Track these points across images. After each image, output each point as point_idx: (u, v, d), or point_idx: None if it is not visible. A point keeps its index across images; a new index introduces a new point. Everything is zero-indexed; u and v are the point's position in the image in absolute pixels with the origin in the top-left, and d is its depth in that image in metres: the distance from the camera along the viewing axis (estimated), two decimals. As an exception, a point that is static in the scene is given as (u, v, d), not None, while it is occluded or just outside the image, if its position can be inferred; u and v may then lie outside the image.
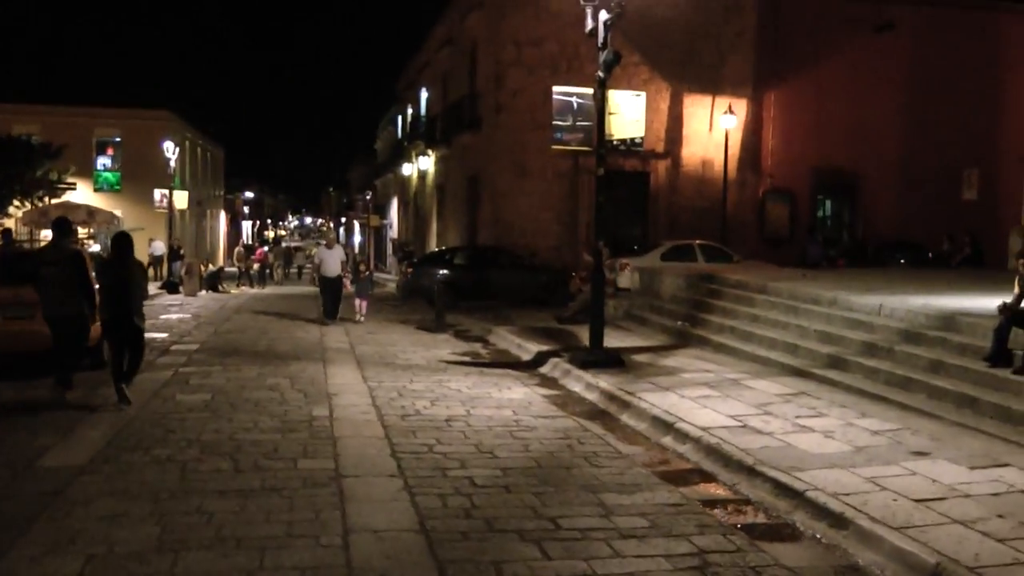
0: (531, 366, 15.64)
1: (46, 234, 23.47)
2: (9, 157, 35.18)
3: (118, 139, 50.85)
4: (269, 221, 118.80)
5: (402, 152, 51.42)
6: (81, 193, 45.21)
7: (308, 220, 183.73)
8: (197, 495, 7.85)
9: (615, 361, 14.46)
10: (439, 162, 41.49)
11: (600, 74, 15.40)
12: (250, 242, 69.07)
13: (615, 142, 28.78)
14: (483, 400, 12.26)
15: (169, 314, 25.62)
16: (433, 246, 41.57)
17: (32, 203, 36.48)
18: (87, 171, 48.70)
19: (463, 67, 36.69)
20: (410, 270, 29.34)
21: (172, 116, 51.82)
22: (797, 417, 10.45)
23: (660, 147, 32.19)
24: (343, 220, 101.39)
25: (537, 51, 31.28)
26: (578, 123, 28.62)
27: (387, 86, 62.80)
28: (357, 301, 23.46)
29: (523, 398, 12.51)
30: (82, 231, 34.30)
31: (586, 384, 13.19)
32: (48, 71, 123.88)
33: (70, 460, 9.06)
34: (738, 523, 7.41)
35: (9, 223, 36.50)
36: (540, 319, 22.60)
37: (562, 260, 30.48)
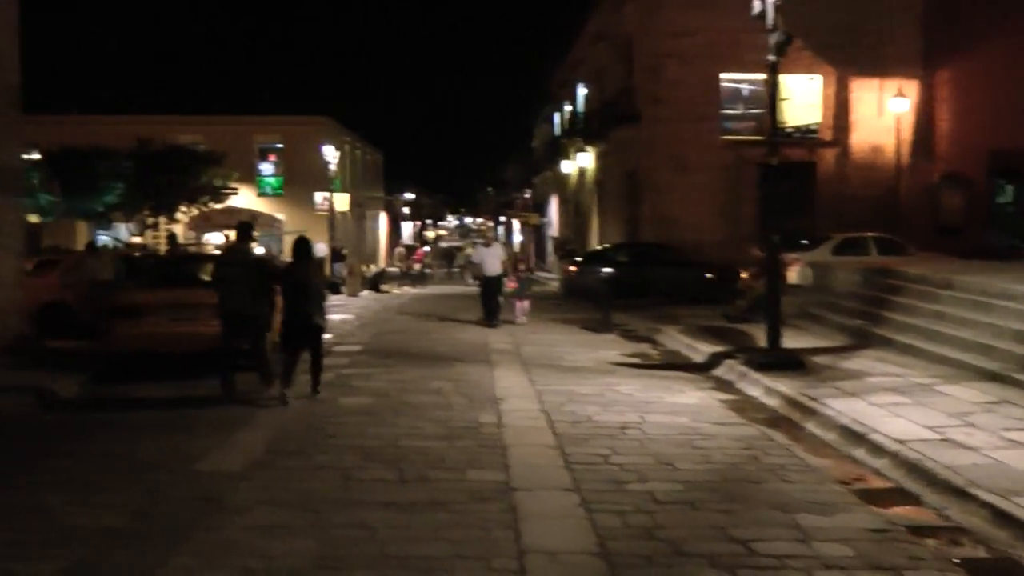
0: (704, 368, 14.88)
1: (208, 237, 23.87)
2: (175, 165, 36.28)
3: (279, 145, 51.93)
4: (428, 221, 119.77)
5: (560, 149, 50.84)
6: (244, 198, 46.36)
7: (467, 219, 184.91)
8: (359, 507, 7.44)
9: (794, 363, 13.56)
10: (598, 158, 40.85)
11: (771, 57, 14.47)
12: (411, 243, 69.68)
13: (788, 130, 27.59)
14: (656, 405, 11.60)
15: (331, 315, 25.52)
16: (594, 244, 40.93)
17: (198, 208, 37.46)
18: (250, 177, 49.77)
19: (618, 61, 36.04)
20: (573, 268, 28.89)
21: (331, 122, 52.68)
22: (1004, 430, 9.41)
23: (828, 135, 30.96)
24: (502, 219, 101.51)
25: (694, 41, 30.53)
26: (748, 111, 27.63)
27: (541, 84, 62.07)
28: (516, 303, 22.71)
29: (699, 403, 11.79)
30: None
31: (765, 388, 12.38)
32: (212, 83, 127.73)
33: (228, 465, 8.83)
34: (955, 556, 6.48)
35: (176, 227, 37.56)
36: (707, 317, 21.75)
37: (725, 255, 29.33)
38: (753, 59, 29.50)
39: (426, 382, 13.53)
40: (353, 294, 34.61)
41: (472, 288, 39.63)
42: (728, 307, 22.00)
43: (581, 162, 43.22)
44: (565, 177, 50.29)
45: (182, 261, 17.00)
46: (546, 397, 12.17)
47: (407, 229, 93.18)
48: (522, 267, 23.73)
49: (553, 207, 59.13)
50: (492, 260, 22.16)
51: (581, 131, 43.79)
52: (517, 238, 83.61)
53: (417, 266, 44.67)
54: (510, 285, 22.70)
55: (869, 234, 26.78)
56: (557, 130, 56.34)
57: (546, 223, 62.05)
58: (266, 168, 52.27)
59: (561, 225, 55.37)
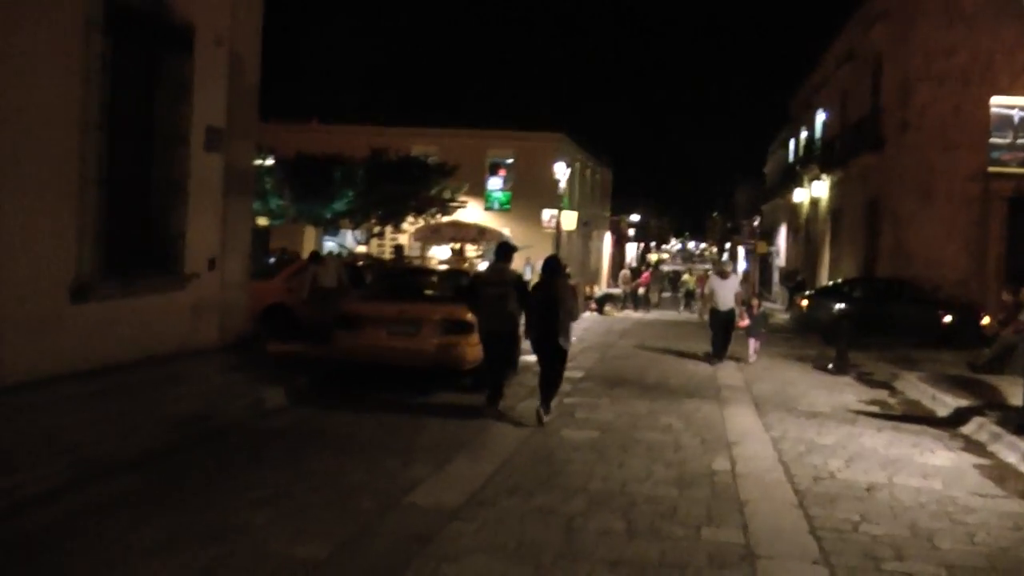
0: (950, 423, 13.69)
1: (433, 251, 23.95)
2: (406, 175, 36.70)
3: (510, 160, 52.13)
4: (653, 244, 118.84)
5: (793, 177, 49.41)
6: (472, 211, 46.79)
7: (691, 244, 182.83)
8: (585, 561, 6.85)
9: (1056, 426, 12.26)
10: (834, 186, 39.28)
11: None
12: (635, 264, 69.06)
13: None
14: (905, 464, 10.63)
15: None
16: (824, 276, 39.52)
17: (425, 219, 37.90)
18: (479, 190, 50.14)
19: (865, 83, 34.48)
20: (805, 302, 27.69)
21: (564, 138, 52.49)
22: None
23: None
24: (727, 245, 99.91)
25: (947, 62, 28.98)
26: (1019, 140, 25.88)
27: (779, 106, 60.66)
28: (750, 341, 21.04)
29: (951, 466, 10.74)
30: (471, 249, 34.99)
31: (1023, 454, 11.21)
32: (449, 96, 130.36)
33: (443, 499, 8.38)
34: None
35: (402, 238, 38.11)
36: (949, 363, 20.47)
37: (968, 295, 27.95)
38: (1008, 82, 28.30)
39: (654, 417, 12.93)
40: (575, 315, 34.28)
41: (696, 317, 39.12)
42: (972, 354, 20.42)
43: (816, 191, 41.83)
44: (797, 205, 48.87)
45: (405, 274, 16.95)
46: (783, 445, 11.38)
47: (631, 250, 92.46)
48: (756, 303, 21.90)
49: (782, 236, 57.65)
50: (726, 293, 20.50)
51: (818, 158, 42.34)
52: (742, 266, 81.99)
53: (641, 290, 43.99)
54: (741, 324, 20.92)
55: None
56: (792, 156, 54.86)
57: (773, 252, 60.52)
58: (495, 182, 52.52)
59: (789, 255, 53.95)
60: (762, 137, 71.16)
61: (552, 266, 12.83)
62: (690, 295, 47.38)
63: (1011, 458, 11.26)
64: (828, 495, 9.04)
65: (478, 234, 34.51)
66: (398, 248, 26.84)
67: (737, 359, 20.39)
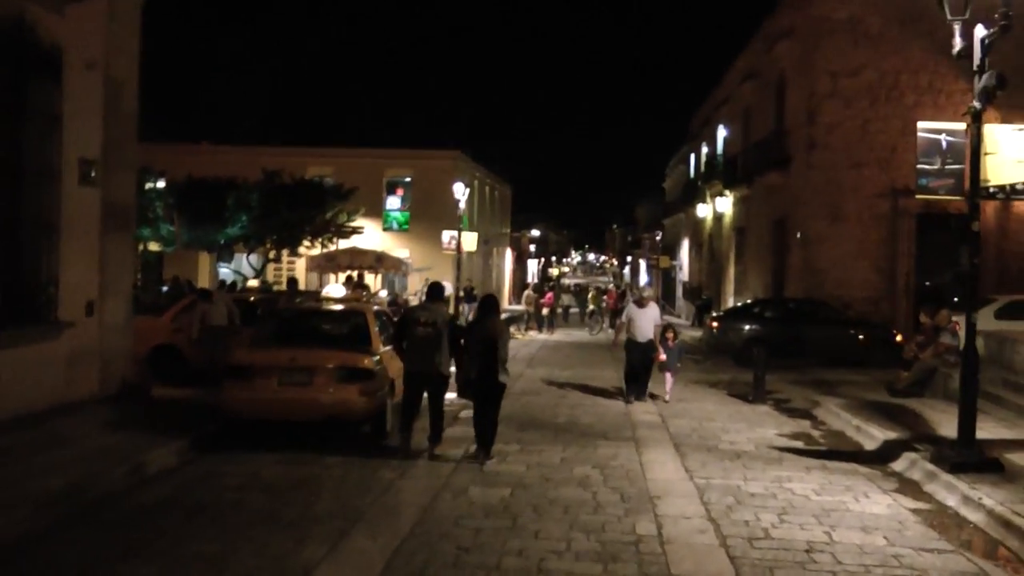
0: (880, 459, 13.19)
1: (328, 290, 22.97)
2: (302, 198, 35.91)
3: (408, 179, 51.23)
4: (553, 258, 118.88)
5: (696, 192, 49.58)
6: (369, 232, 45.97)
7: (591, 257, 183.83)
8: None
9: (991, 464, 11.76)
10: (738, 203, 39.29)
11: (976, 104, 12.58)
12: (538, 282, 68.67)
13: (992, 189, 25.48)
14: (842, 515, 9.99)
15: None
16: (730, 292, 39.52)
17: (323, 243, 36.89)
18: (376, 211, 49.28)
19: (769, 101, 34.47)
20: (715, 324, 27.33)
21: (462, 156, 51.96)
22: None
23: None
24: (628, 259, 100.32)
25: (854, 81, 28.97)
26: (947, 167, 25.75)
27: (680, 123, 61.17)
28: (667, 376, 19.05)
29: (890, 514, 10.15)
30: (369, 277, 34.07)
31: (962, 497, 10.64)
32: (344, 117, 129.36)
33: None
34: None
35: (299, 264, 37.05)
36: (867, 387, 20.32)
37: (879, 314, 27.98)
38: (913, 103, 28.38)
39: (569, 467, 12.16)
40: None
41: (603, 336, 38.67)
42: (890, 376, 20.23)
43: (719, 206, 42.00)
44: (700, 221, 49.06)
45: (296, 318, 15.95)
46: (709, 495, 10.71)
47: (532, 266, 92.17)
48: (671, 335, 19.43)
49: (684, 250, 58.02)
50: (645, 323, 18.48)
51: (721, 174, 42.39)
52: (643, 279, 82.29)
53: (546, 310, 43.38)
54: (659, 356, 18.95)
55: (1039, 297, 24.56)
56: (693, 172, 55.05)
57: (676, 266, 60.84)
58: (393, 202, 51.58)
59: (693, 270, 54.18)
60: (663, 151, 71.43)
61: (489, 304, 13.20)
62: (593, 313, 46.99)
63: (950, 501, 10.75)
64: (766, 561, 8.34)
65: (376, 261, 33.47)
66: (291, 282, 25.67)
67: (652, 395, 18.96)
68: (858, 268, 28.79)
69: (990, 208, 28.64)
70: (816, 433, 15.60)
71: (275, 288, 33.88)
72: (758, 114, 36.56)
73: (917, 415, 16.23)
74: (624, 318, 19.23)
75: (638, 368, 18.68)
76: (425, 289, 17.62)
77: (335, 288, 23.78)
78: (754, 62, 37.39)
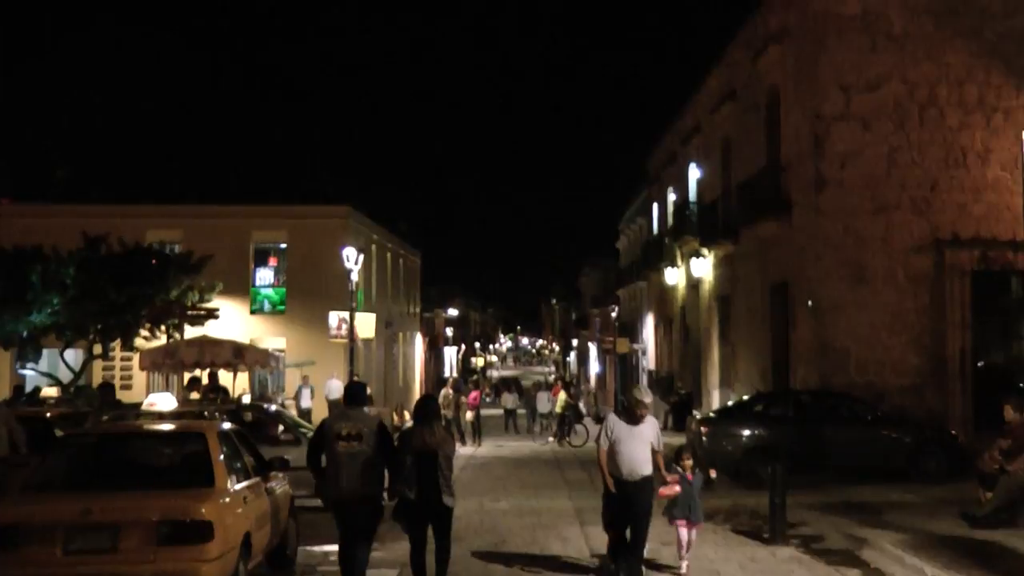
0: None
1: (153, 399, 20.82)
2: (135, 273, 34.44)
3: (283, 245, 49.47)
4: (477, 344, 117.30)
5: (661, 252, 48.59)
6: (233, 317, 44.13)
7: (524, 341, 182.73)
8: None
9: None
10: (721, 264, 38.16)
11: None
12: (454, 374, 67.04)
13: None
14: None
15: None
16: (714, 384, 38.10)
17: (168, 333, 34.76)
18: (242, 288, 47.41)
19: (756, 128, 33.35)
20: (704, 429, 25.38)
21: (353, 213, 50.48)
22: None
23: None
24: (573, 342, 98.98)
25: (874, 97, 27.59)
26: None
27: (633, 166, 60.51)
28: (680, 530, 14.73)
29: None
30: (225, 376, 31.78)
31: None
32: (200, 170, 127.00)
33: None
34: None
35: (136, 360, 35.31)
36: (927, 512, 18.92)
37: (925, 406, 26.54)
38: (959, 120, 26.97)
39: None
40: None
41: (547, 448, 36.70)
42: (968, 498, 18.68)
43: (695, 270, 40.68)
44: (669, 290, 48.48)
45: (102, 440, 13.63)
46: None
47: (450, 355, 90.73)
48: (687, 462, 14.94)
49: (648, 329, 57.26)
50: (636, 448, 13.83)
51: (696, 227, 41.33)
52: (594, 368, 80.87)
53: (470, 415, 41.33)
54: (665, 492, 14.68)
55: None
56: (656, 227, 53.93)
57: (639, 351, 59.79)
58: (264, 276, 49.67)
59: (661, 355, 53.59)
60: (615, 205, 70.79)
61: (426, 409, 13.50)
62: (511, 413, 46.84)
63: None
64: None
65: (234, 355, 30.86)
66: (104, 389, 23.42)
67: (654, 566, 15.03)
68: (893, 346, 27.13)
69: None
70: (876, 593, 13.59)
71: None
72: (742, 145, 35.39)
73: (1015, 555, 14.74)
74: (602, 441, 14.16)
75: (633, 523, 13.99)
76: (296, 389, 16.33)
77: (162, 397, 21.43)
78: (733, 78, 36.37)
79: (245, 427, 21.12)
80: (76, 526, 10.96)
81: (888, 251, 27.01)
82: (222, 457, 12.47)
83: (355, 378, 36.41)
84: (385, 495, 13.09)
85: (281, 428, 21.97)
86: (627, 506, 13.84)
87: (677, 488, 14.57)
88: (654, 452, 13.94)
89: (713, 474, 15.32)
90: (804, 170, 28.40)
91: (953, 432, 24.67)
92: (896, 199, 26.97)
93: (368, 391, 18.51)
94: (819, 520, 18.80)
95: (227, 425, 14.59)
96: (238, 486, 12.42)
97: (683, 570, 14.51)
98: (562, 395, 43.38)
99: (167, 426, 14.54)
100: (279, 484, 14.49)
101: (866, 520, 18.40)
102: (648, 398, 14.20)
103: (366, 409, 14.09)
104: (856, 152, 27.29)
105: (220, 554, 11.19)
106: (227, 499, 11.91)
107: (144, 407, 18.88)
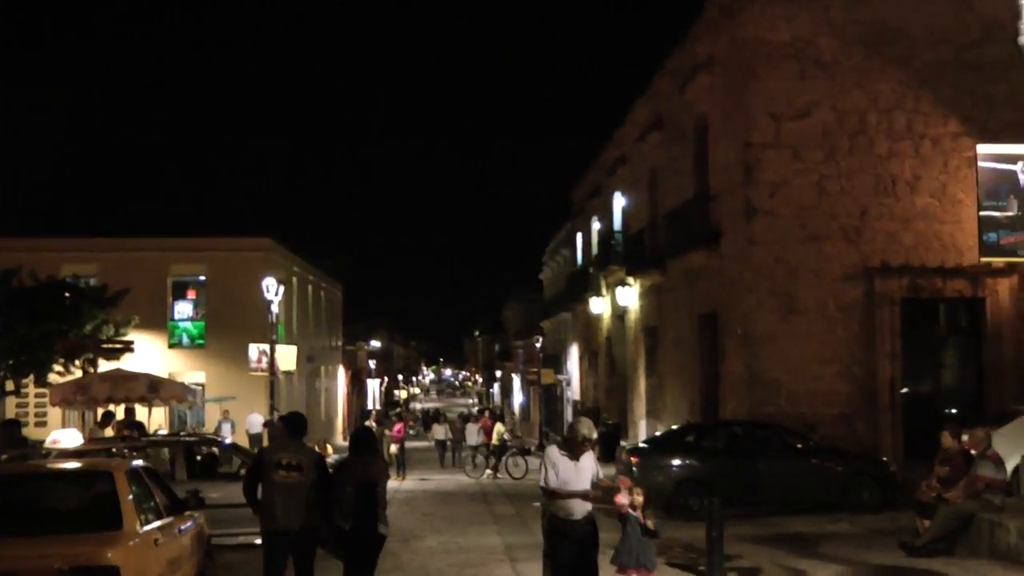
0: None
1: (57, 436, 19.90)
2: (50, 307, 34.02)
3: (202, 278, 49.10)
4: (400, 377, 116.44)
5: (586, 283, 48.13)
6: (151, 352, 43.39)
7: (447, 373, 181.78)
8: None
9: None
10: (648, 294, 37.76)
11: None
12: (377, 407, 66.23)
13: None
14: None
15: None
16: (640, 415, 37.74)
17: (83, 369, 33.81)
18: (159, 323, 46.85)
19: (684, 157, 33.06)
20: (634, 460, 24.77)
21: (274, 245, 50.06)
22: None
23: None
24: (497, 374, 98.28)
25: (803, 124, 27.24)
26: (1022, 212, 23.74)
27: (558, 198, 60.58)
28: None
29: None
30: (141, 411, 30.84)
31: None
32: (116, 203, 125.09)
33: None
34: None
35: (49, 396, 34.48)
36: (863, 543, 18.90)
37: (855, 437, 26.29)
38: (888, 150, 26.70)
39: None
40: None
41: (471, 481, 35.89)
42: (905, 528, 18.52)
43: (621, 299, 40.36)
44: (594, 320, 47.98)
45: (2, 482, 12.66)
46: None
47: (373, 387, 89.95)
48: (630, 494, 12.83)
49: (573, 360, 57.24)
50: (579, 479, 12.28)
51: (622, 256, 41.16)
52: (518, 400, 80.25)
53: (394, 448, 40.44)
54: (620, 499, 12.86)
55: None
56: (581, 257, 53.63)
57: (563, 381, 59.32)
58: (183, 310, 49.16)
59: (586, 386, 53.23)
60: (538, 237, 70.57)
61: (363, 440, 14.07)
62: (443, 444, 46.58)
63: None
64: None
65: (149, 389, 29.75)
66: (8, 425, 22.28)
67: None
68: (823, 376, 26.70)
69: (1003, 289, 27.04)
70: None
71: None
72: (670, 175, 34.95)
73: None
74: (544, 478, 12.50)
75: (573, 570, 12.35)
76: (216, 424, 16.14)
77: (66, 434, 20.41)
78: (660, 107, 36.10)
79: (200, 462, 20.46)
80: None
81: (819, 280, 26.65)
82: (131, 497, 11.53)
83: (275, 412, 35.77)
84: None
85: (238, 463, 21.09)
86: (573, 552, 12.22)
87: (624, 499, 12.74)
88: (595, 481, 12.41)
89: (652, 524, 12.94)
90: (734, 199, 28.03)
91: (885, 460, 24.40)
92: (827, 228, 26.62)
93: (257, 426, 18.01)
94: (755, 552, 18.35)
95: (136, 463, 13.71)
96: (148, 527, 11.48)
97: None
98: (499, 426, 42.85)
99: (71, 465, 13.56)
100: (194, 523, 13.66)
101: (803, 551, 18.13)
102: (594, 434, 12.65)
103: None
104: (786, 180, 26.91)
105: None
106: (136, 541, 10.96)
107: (47, 445, 17.86)
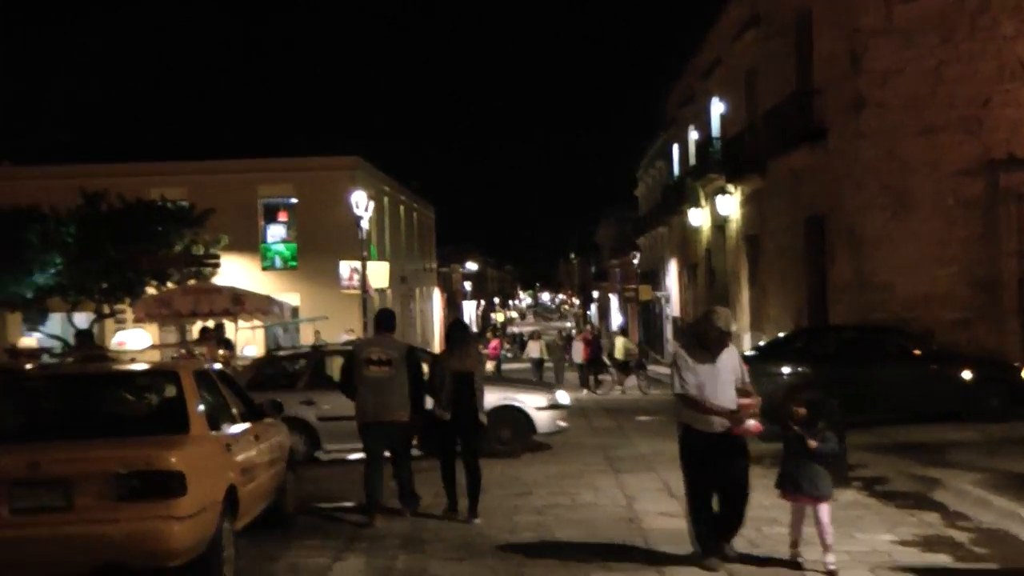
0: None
1: (121, 337, 19.17)
2: (137, 228, 33.97)
3: (293, 200, 48.78)
4: (496, 300, 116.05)
5: (683, 194, 46.92)
6: (244, 274, 43.16)
7: (544, 297, 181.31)
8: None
9: None
10: (749, 201, 36.54)
11: None
12: (475, 328, 65.72)
13: None
14: None
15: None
16: (744, 327, 36.26)
17: (175, 286, 33.55)
18: (252, 244, 46.77)
19: (784, 53, 31.69)
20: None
21: (363, 163, 49.41)
22: None
23: None
24: (593, 295, 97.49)
25: (918, 6, 25.65)
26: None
27: (650, 111, 59.16)
28: (820, 507, 10.47)
29: None
30: (229, 326, 30.20)
31: None
32: (203, 126, 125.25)
33: None
34: None
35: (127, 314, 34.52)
36: (994, 452, 17.33)
37: (977, 342, 24.80)
38: (1016, 30, 24.96)
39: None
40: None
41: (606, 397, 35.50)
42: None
43: (721, 208, 39.06)
44: (692, 233, 47.04)
45: (55, 385, 11.74)
46: None
47: (469, 310, 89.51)
48: (800, 408, 10.84)
49: (671, 276, 56.38)
50: (723, 388, 10.67)
51: (720, 163, 39.77)
52: (616, 319, 79.34)
53: (490, 365, 39.83)
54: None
55: None
56: (678, 168, 52.32)
57: (662, 298, 58.43)
58: (275, 232, 49.06)
59: (685, 301, 52.17)
60: (632, 153, 69.31)
61: (458, 332, 14.34)
62: (538, 363, 45.24)
63: None
64: None
65: (233, 302, 28.69)
66: (82, 335, 21.73)
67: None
68: (941, 279, 25.40)
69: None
70: (962, 536, 11.93)
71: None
72: (769, 74, 33.70)
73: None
74: (677, 383, 10.84)
75: (724, 486, 10.95)
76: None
77: (133, 335, 19.68)
78: (755, 3, 34.82)
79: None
80: (23, 482, 9.20)
81: (935, 176, 25.27)
82: (199, 400, 10.59)
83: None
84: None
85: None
86: (719, 466, 10.72)
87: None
88: (740, 387, 10.77)
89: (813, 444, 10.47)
90: (840, 92, 26.68)
91: (1018, 365, 22.81)
92: (944, 119, 25.18)
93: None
94: (878, 461, 17.24)
95: (208, 364, 12.77)
96: (216, 432, 10.63)
97: (831, 566, 10.31)
98: (620, 340, 42.88)
99: (136, 366, 12.58)
100: (274, 432, 12.72)
101: (930, 460, 16.75)
102: (733, 326, 11.07)
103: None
104: (898, 69, 25.50)
105: (195, 511, 9.32)
106: (204, 447, 10.10)
107: (113, 347, 17.11)
